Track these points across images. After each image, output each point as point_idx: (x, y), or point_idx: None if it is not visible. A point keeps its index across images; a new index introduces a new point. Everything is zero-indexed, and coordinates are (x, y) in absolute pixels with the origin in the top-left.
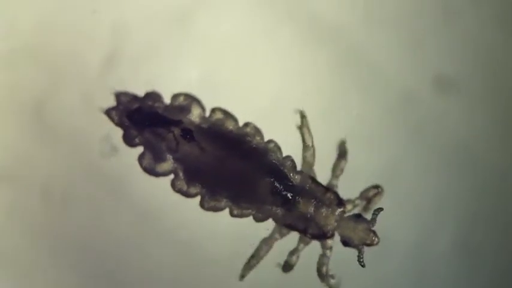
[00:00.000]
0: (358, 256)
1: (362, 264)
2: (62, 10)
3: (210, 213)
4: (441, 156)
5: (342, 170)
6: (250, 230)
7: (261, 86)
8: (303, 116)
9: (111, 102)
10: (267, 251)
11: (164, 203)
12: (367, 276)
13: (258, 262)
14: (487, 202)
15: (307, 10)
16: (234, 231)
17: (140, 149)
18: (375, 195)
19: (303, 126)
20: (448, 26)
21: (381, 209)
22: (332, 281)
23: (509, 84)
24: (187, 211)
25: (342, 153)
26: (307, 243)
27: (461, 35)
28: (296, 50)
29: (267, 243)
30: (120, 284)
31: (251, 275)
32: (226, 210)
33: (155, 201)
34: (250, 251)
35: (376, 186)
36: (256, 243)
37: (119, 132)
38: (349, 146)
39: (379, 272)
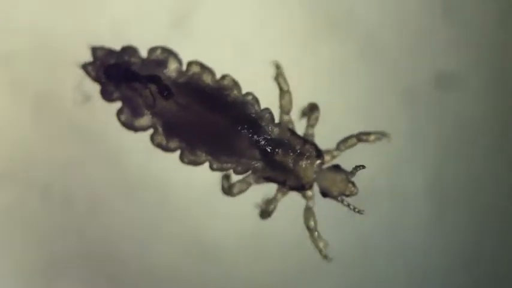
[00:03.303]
0: (349, 207)
1: (358, 211)
2: (62, 10)
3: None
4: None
5: (316, 119)
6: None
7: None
8: (278, 67)
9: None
10: (239, 193)
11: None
12: (341, 226)
13: (227, 195)
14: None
15: None
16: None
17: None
18: (354, 145)
19: (278, 76)
20: (449, 23)
21: (362, 167)
22: (321, 239)
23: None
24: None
25: (312, 106)
26: (285, 194)
27: (462, 32)
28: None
29: (240, 184)
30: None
31: None
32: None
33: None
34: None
35: (352, 136)
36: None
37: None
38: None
39: (352, 220)
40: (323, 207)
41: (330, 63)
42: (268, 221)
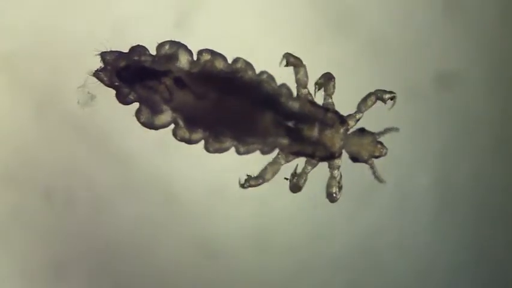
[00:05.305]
0: (373, 173)
1: (380, 179)
2: (62, 11)
3: (192, 159)
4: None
5: (333, 87)
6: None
7: None
8: (287, 58)
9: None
10: (273, 175)
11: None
12: (345, 224)
13: (261, 183)
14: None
15: None
16: (215, 177)
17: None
18: (373, 103)
19: (288, 59)
20: (452, 22)
21: (396, 129)
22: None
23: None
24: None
25: (327, 76)
26: (314, 165)
27: (465, 31)
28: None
29: (272, 167)
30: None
31: None
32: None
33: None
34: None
35: (370, 94)
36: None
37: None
38: None
39: (357, 218)
40: (327, 205)
41: (333, 61)
42: (271, 220)
